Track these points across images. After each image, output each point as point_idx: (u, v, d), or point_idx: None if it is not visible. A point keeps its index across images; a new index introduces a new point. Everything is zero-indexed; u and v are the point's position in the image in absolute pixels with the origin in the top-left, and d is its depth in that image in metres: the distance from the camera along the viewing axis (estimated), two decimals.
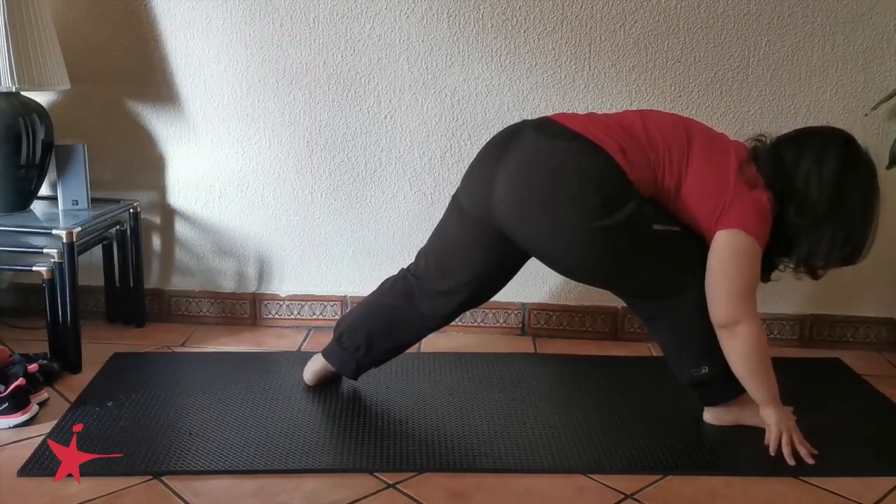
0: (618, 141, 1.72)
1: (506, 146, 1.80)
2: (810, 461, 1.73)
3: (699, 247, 1.76)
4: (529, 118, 1.87)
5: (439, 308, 1.93)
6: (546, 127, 1.79)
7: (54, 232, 2.05)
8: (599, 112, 1.88)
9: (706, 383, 1.83)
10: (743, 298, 1.70)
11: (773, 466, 1.73)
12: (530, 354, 2.37)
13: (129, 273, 2.45)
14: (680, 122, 1.80)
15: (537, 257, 1.84)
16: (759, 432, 1.84)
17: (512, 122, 2.34)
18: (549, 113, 2.33)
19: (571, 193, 1.70)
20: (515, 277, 2.46)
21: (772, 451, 1.76)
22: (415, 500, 1.58)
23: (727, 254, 1.71)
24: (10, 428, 1.79)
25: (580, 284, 2.46)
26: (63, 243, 2.04)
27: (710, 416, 1.89)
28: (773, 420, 1.77)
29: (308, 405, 1.95)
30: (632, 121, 1.78)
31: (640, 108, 1.96)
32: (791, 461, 1.73)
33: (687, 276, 1.77)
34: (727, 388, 1.83)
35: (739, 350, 1.72)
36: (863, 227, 1.74)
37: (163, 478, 1.61)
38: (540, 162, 1.74)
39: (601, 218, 1.68)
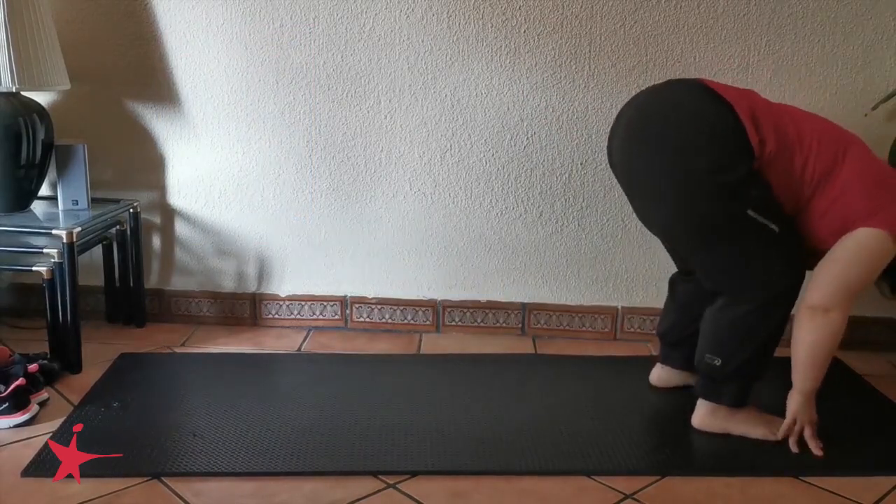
0: (751, 107, 1.69)
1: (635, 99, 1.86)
2: (818, 453, 1.75)
3: (786, 255, 1.73)
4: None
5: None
6: (675, 80, 1.83)
7: (54, 232, 2.05)
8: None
9: (713, 377, 1.82)
10: (850, 293, 1.69)
11: (773, 466, 1.73)
12: (530, 354, 2.37)
13: (129, 273, 2.45)
14: (832, 123, 1.79)
15: (635, 203, 1.86)
16: None
17: (512, 122, 2.37)
18: (549, 112, 2.35)
19: (681, 138, 1.69)
20: (515, 277, 2.48)
21: (779, 436, 1.78)
22: (415, 500, 1.58)
23: (864, 250, 1.67)
24: (10, 428, 1.79)
25: (579, 284, 2.47)
26: (63, 243, 2.04)
27: (699, 421, 1.86)
28: (795, 408, 1.77)
29: (307, 406, 1.95)
30: (779, 104, 1.78)
31: None
32: (795, 448, 1.76)
33: (757, 280, 1.73)
34: (729, 393, 1.82)
35: (815, 335, 1.71)
36: None
37: (163, 478, 1.61)
38: (657, 104, 1.77)
39: (701, 173, 1.67)
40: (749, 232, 1.70)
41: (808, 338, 1.72)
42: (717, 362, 1.79)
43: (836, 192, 1.69)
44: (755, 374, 1.82)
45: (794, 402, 1.78)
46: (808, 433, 1.78)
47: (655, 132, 1.74)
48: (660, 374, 2.10)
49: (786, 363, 1.88)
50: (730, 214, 1.69)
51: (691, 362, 1.91)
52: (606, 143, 1.92)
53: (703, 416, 1.86)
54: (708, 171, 1.67)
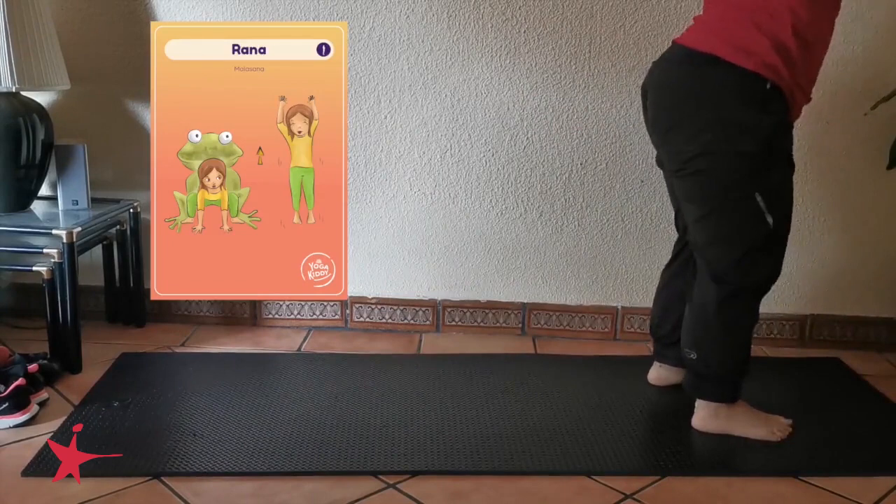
0: (729, 34, 1.69)
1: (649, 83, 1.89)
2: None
3: (772, 249, 1.74)
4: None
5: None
6: (667, 55, 1.87)
7: (54, 232, 2.05)
8: None
9: (695, 372, 1.83)
10: None
11: (773, 466, 1.73)
12: (530, 354, 2.37)
13: (129, 273, 2.45)
14: None
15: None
16: None
17: (512, 122, 2.37)
18: (549, 113, 2.35)
19: (701, 120, 1.72)
20: (515, 277, 2.48)
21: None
22: (415, 500, 1.58)
23: None
24: (10, 428, 1.79)
25: (579, 284, 2.47)
26: (63, 243, 2.04)
27: (699, 422, 1.86)
28: None
29: (308, 406, 1.95)
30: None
31: None
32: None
33: (738, 264, 1.73)
34: (713, 390, 1.82)
35: None
36: None
37: (163, 478, 1.61)
38: (661, 92, 1.85)
39: (726, 141, 1.68)
40: (748, 214, 1.70)
41: None
42: (693, 356, 1.81)
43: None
44: (734, 369, 1.81)
45: None
46: None
47: (673, 120, 1.78)
48: (657, 373, 2.11)
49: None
50: (740, 188, 1.70)
51: None
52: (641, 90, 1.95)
53: (704, 417, 1.85)
54: (730, 138, 1.68)
